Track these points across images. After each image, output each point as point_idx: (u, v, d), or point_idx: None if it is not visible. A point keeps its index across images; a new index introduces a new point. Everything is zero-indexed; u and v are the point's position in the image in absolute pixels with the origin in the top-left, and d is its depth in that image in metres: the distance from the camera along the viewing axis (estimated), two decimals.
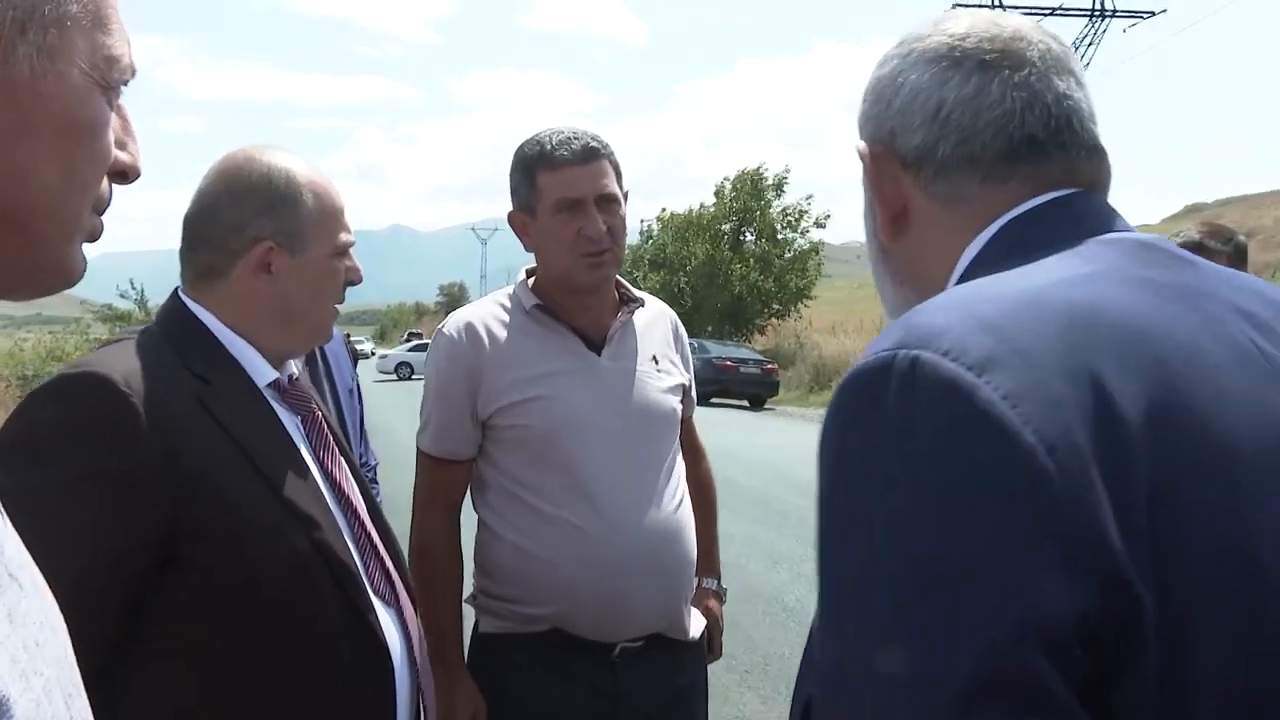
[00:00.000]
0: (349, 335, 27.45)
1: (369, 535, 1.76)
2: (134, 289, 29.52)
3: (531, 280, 2.50)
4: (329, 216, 1.77)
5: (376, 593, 1.71)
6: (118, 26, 0.79)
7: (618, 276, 2.50)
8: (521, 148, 2.43)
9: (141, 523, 1.50)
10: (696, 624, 2.56)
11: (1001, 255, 1.01)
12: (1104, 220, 1.03)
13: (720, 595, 2.78)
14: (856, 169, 1.16)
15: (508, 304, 2.48)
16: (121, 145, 0.83)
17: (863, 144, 1.13)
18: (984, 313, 0.87)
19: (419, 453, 2.49)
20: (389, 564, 1.79)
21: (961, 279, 1.04)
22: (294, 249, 1.73)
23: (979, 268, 1.02)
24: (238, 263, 1.72)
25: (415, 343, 54.87)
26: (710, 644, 2.69)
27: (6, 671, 0.65)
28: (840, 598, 0.84)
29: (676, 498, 2.45)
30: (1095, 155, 1.08)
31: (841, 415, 0.88)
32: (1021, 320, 0.86)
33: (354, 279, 1.84)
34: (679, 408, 2.54)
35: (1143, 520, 0.79)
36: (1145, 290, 0.92)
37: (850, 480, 0.85)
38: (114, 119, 0.81)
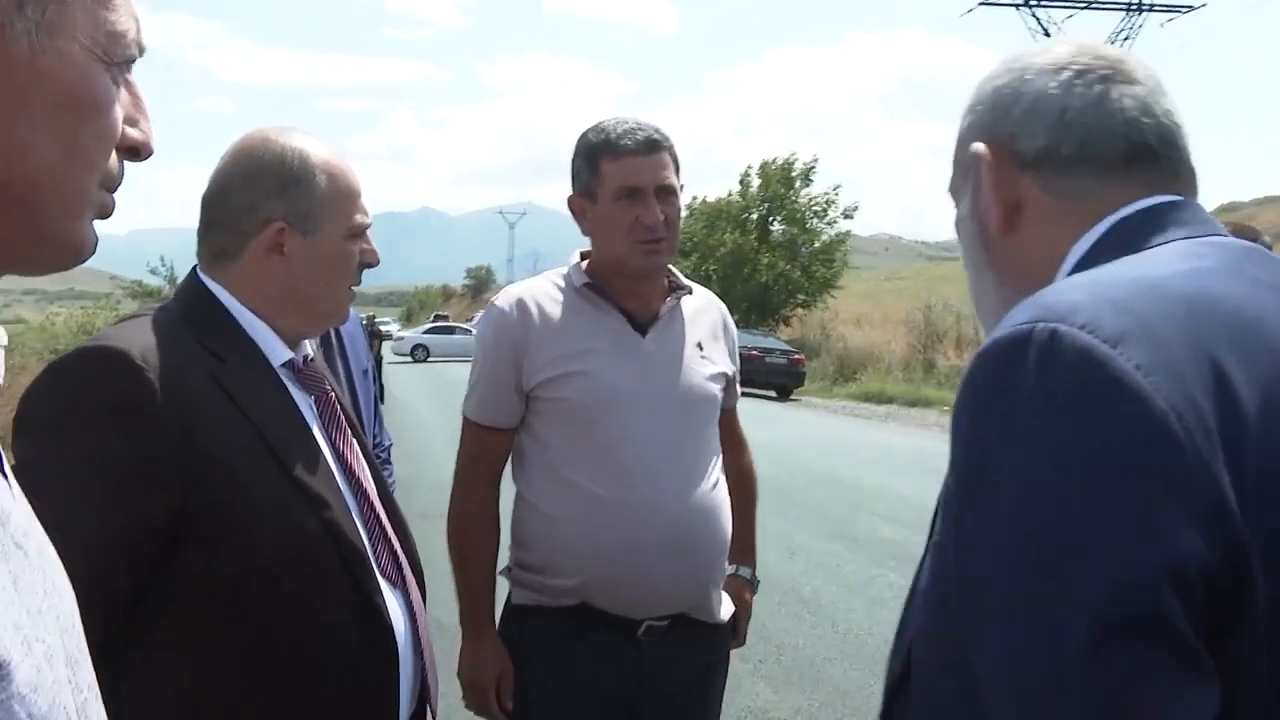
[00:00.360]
0: (373, 316, 27.64)
1: (378, 517, 1.78)
2: (164, 266, 29.82)
3: (585, 262, 2.57)
4: (343, 198, 1.77)
5: (383, 574, 1.72)
6: (121, 2, 0.79)
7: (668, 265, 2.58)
8: (585, 135, 2.50)
9: (153, 501, 1.52)
10: (725, 608, 2.63)
11: (1115, 248, 1.09)
12: (1208, 225, 1.12)
13: (753, 585, 2.86)
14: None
15: (560, 282, 2.55)
16: (133, 122, 0.82)
17: (980, 145, 1.21)
18: (1114, 295, 0.94)
19: (464, 419, 2.57)
20: (396, 545, 1.80)
21: (1075, 270, 1.11)
22: (306, 230, 1.74)
23: (1094, 259, 1.10)
24: (250, 244, 1.73)
25: (430, 325, 54.61)
26: (735, 629, 2.75)
27: (9, 637, 0.66)
28: (986, 541, 0.90)
29: (710, 481, 2.51)
30: (1192, 175, 1.18)
31: (980, 384, 0.95)
32: (1148, 303, 0.93)
33: (370, 261, 1.84)
34: (719, 395, 2.60)
35: (1254, 501, 0.86)
36: (1256, 287, 0.99)
37: (992, 443, 0.92)
38: (125, 96, 0.81)
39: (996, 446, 0.91)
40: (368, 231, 1.84)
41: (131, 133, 0.82)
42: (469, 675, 2.50)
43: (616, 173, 2.42)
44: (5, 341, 0.81)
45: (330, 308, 1.84)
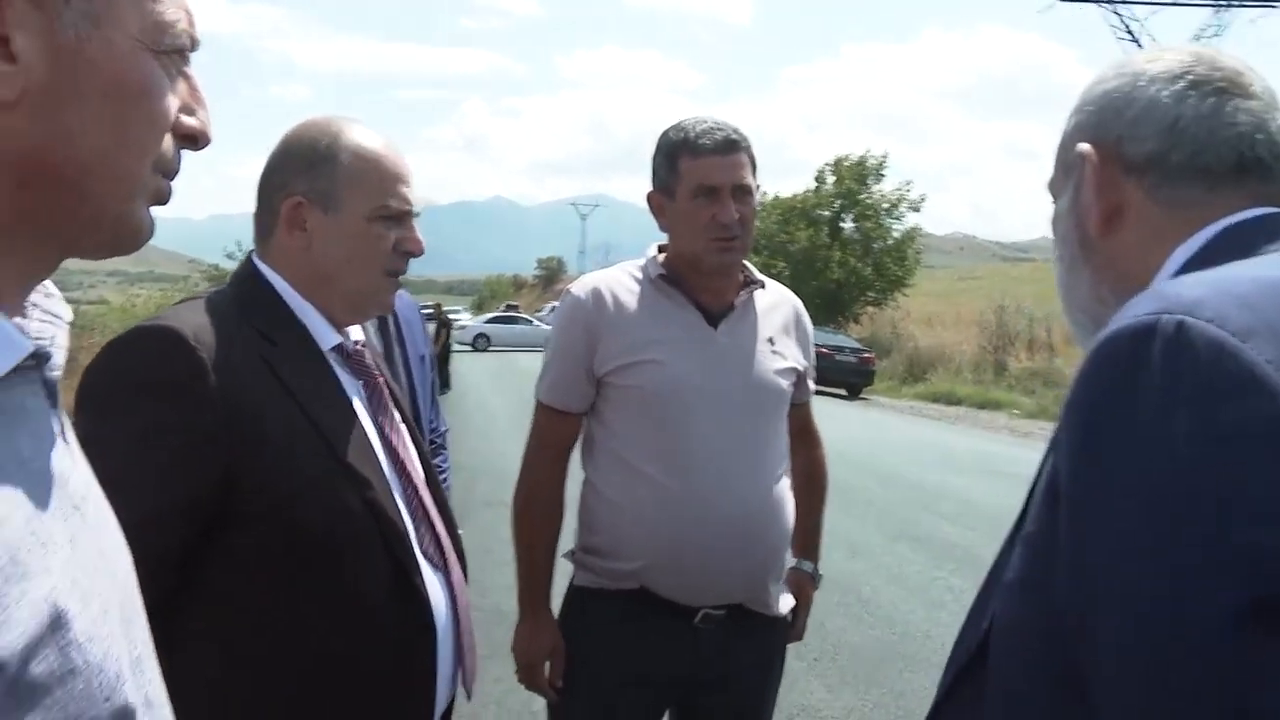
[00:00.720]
0: (439, 305, 27.88)
1: (421, 500, 1.80)
2: (240, 250, 30.43)
3: (661, 255, 2.62)
4: (369, 177, 1.79)
5: (425, 555, 1.75)
6: None
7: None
8: (666, 133, 2.56)
9: (203, 475, 1.55)
10: (785, 602, 2.66)
11: (1228, 252, 1.07)
12: None
13: (814, 580, 2.88)
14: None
15: (636, 274, 2.61)
16: (189, 111, 0.85)
17: (1087, 146, 1.21)
18: (1238, 291, 0.93)
19: (536, 402, 2.64)
20: (440, 528, 1.82)
21: (1181, 272, 1.10)
22: (326, 206, 1.77)
23: (1204, 261, 1.08)
24: (278, 219, 1.78)
25: (492, 315, 55.32)
26: (794, 623, 2.77)
27: (67, 590, 0.72)
28: (1110, 531, 0.89)
29: (774, 475, 2.54)
30: None
31: (1100, 374, 0.94)
32: (1272, 302, 0.92)
33: (412, 250, 1.85)
34: (789, 390, 2.62)
35: None
36: None
37: (1115, 434, 0.90)
38: (182, 86, 0.84)
39: (1120, 438, 0.90)
40: (414, 220, 1.85)
41: (188, 121, 0.85)
42: (521, 652, 2.57)
43: (694, 171, 2.47)
44: (70, 317, 0.85)
45: (360, 291, 1.82)
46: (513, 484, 2.62)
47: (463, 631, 1.80)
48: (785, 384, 2.60)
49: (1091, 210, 1.20)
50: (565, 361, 2.55)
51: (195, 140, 0.86)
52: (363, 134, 1.81)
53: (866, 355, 28.38)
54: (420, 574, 1.71)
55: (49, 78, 0.73)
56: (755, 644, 2.58)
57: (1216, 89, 1.16)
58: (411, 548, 1.71)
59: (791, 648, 2.77)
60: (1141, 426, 0.88)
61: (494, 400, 19.95)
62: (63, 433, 0.81)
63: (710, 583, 2.46)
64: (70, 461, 0.80)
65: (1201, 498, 0.84)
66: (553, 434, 2.61)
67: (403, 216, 1.83)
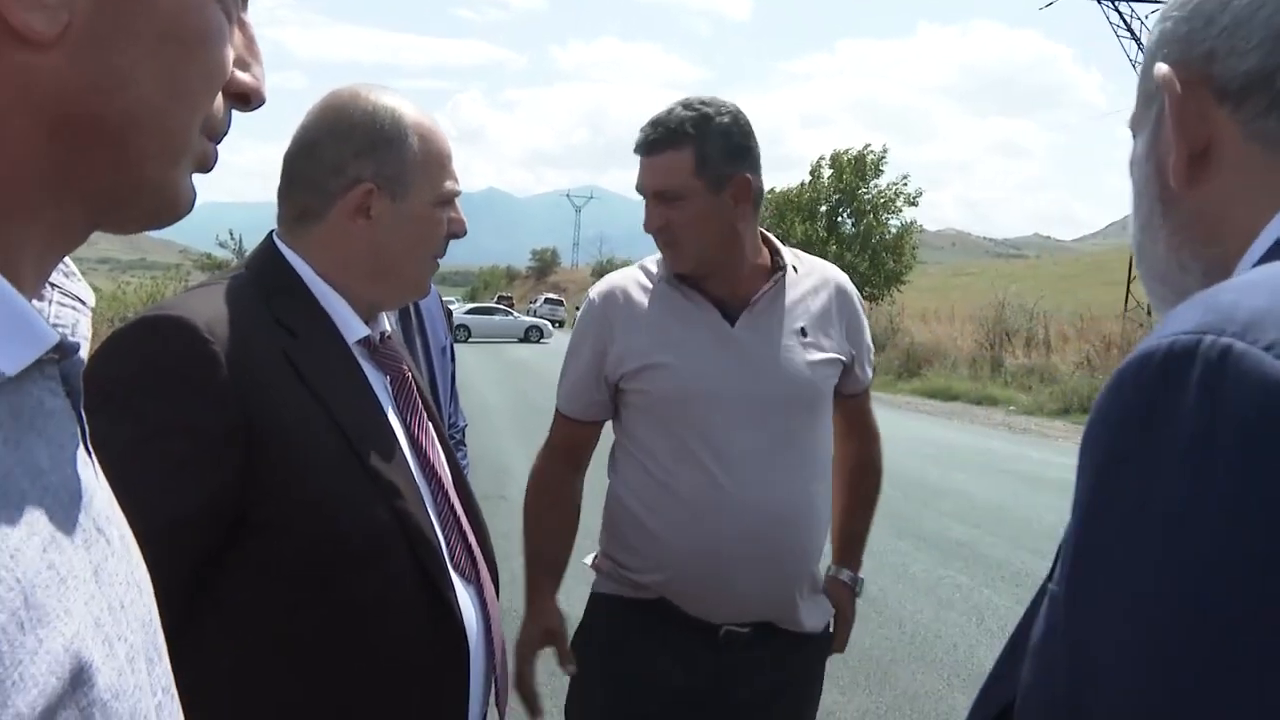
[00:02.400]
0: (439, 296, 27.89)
1: (452, 507, 1.66)
2: (232, 239, 30.38)
3: None
4: (434, 162, 1.67)
5: (456, 568, 1.61)
6: None
7: (774, 240, 2.46)
8: None
9: (217, 478, 1.41)
10: (819, 615, 2.46)
11: None
12: None
13: (854, 588, 2.65)
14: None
15: (652, 269, 2.45)
16: (244, 66, 0.73)
17: (1165, 68, 0.91)
18: None
19: (556, 408, 2.53)
20: (471, 538, 1.68)
21: (1272, 251, 0.82)
22: (395, 193, 1.64)
23: None
24: (335, 205, 1.63)
25: (472, 306, 56.92)
26: (835, 636, 2.57)
27: (90, 635, 0.59)
28: (1111, 622, 0.66)
29: (805, 479, 2.34)
30: None
31: (1119, 412, 0.69)
32: None
33: (458, 231, 1.74)
34: (825, 384, 2.39)
35: None
36: None
37: (1128, 498, 0.67)
38: (237, 37, 0.72)
39: (1136, 499, 0.66)
40: (456, 200, 1.73)
41: (242, 77, 0.73)
42: (516, 644, 2.39)
43: (638, 172, 2.35)
44: (92, 302, 0.74)
45: (412, 278, 1.73)
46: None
47: (495, 648, 1.66)
48: (820, 377, 2.37)
49: (1172, 152, 0.90)
50: (579, 368, 2.43)
51: (248, 100, 0.74)
52: (414, 109, 1.68)
53: None
54: (453, 589, 1.57)
55: (98, 12, 0.60)
56: (785, 663, 2.39)
57: None
58: (443, 561, 1.57)
59: None
60: (1163, 491, 0.64)
61: (488, 392, 19.84)
62: (84, 439, 0.69)
63: (732, 599, 2.29)
64: (93, 474, 0.68)
65: (1229, 601, 0.60)
66: (568, 440, 2.51)
67: (454, 198, 1.72)
